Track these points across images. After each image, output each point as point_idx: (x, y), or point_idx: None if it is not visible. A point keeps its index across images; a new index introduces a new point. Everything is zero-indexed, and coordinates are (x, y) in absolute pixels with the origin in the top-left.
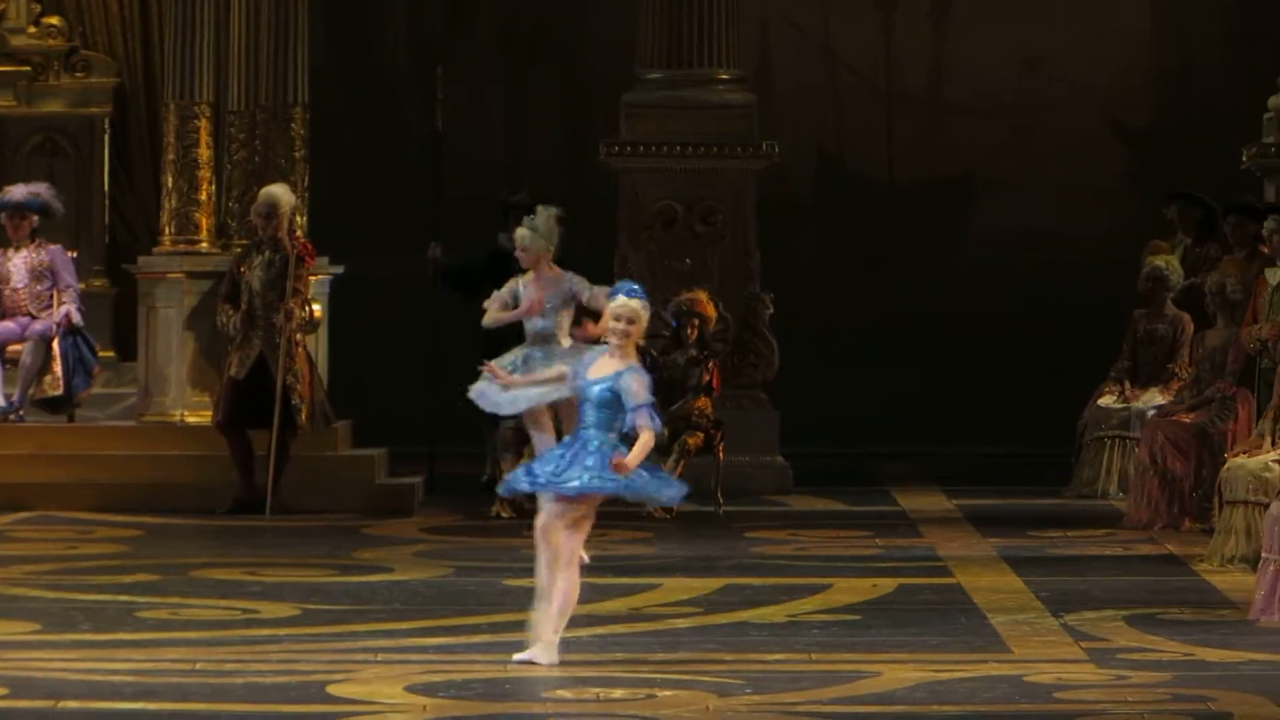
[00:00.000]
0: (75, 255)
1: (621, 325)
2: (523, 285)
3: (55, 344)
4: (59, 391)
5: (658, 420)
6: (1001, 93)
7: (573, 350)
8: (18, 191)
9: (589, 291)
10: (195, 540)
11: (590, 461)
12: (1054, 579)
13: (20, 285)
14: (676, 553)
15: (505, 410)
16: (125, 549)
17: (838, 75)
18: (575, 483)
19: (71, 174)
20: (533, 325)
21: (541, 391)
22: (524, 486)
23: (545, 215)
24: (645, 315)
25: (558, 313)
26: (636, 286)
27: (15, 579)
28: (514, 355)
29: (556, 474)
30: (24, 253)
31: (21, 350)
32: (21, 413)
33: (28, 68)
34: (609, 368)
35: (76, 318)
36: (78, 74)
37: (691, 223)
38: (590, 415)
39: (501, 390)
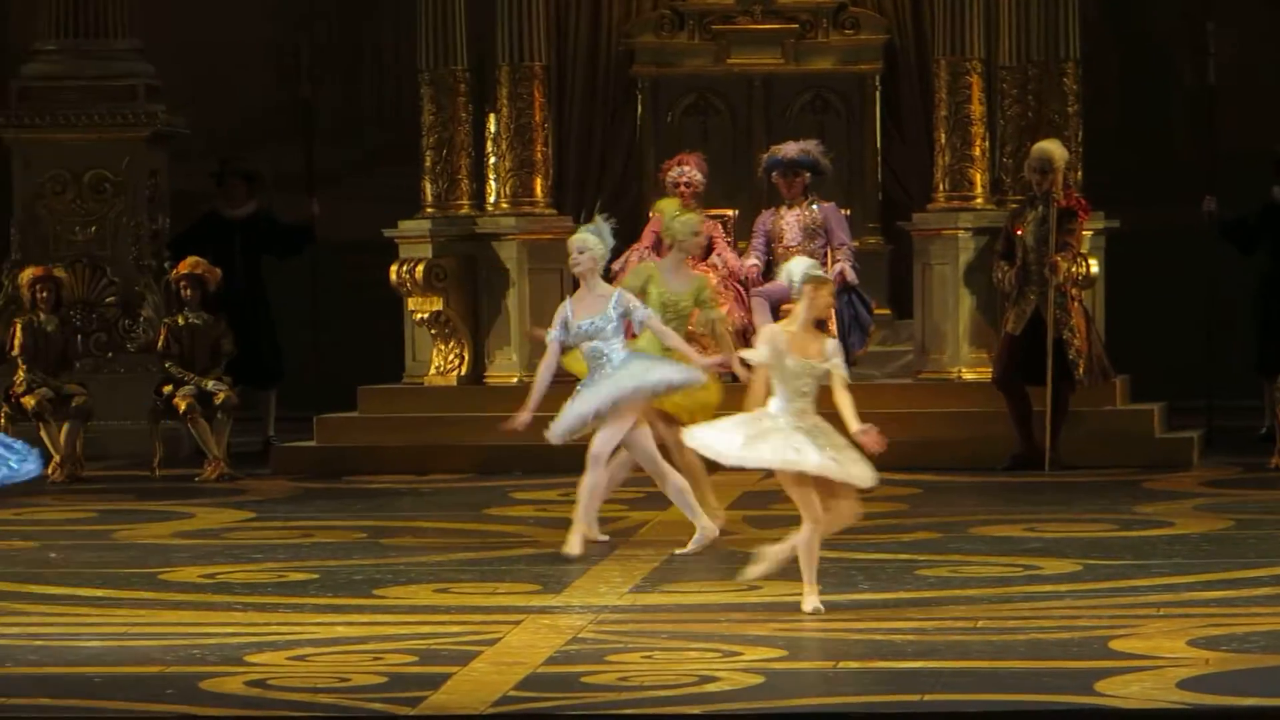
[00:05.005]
0: (849, 213)
1: None
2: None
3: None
4: None
5: None
6: None
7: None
8: (789, 149)
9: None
10: (974, 497)
11: None
12: None
13: (794, 243)
14: None
15: None
16: (903, 507)
17: None
18: None
19: (842, 131)
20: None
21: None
22: None
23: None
24: None
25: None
26: None
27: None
28: None
29: None
30: (796, 210)
31: None
32: None
33: (795, 25)
34: None
35: (851, 275)
36: (847, 31)
37: None
38: None
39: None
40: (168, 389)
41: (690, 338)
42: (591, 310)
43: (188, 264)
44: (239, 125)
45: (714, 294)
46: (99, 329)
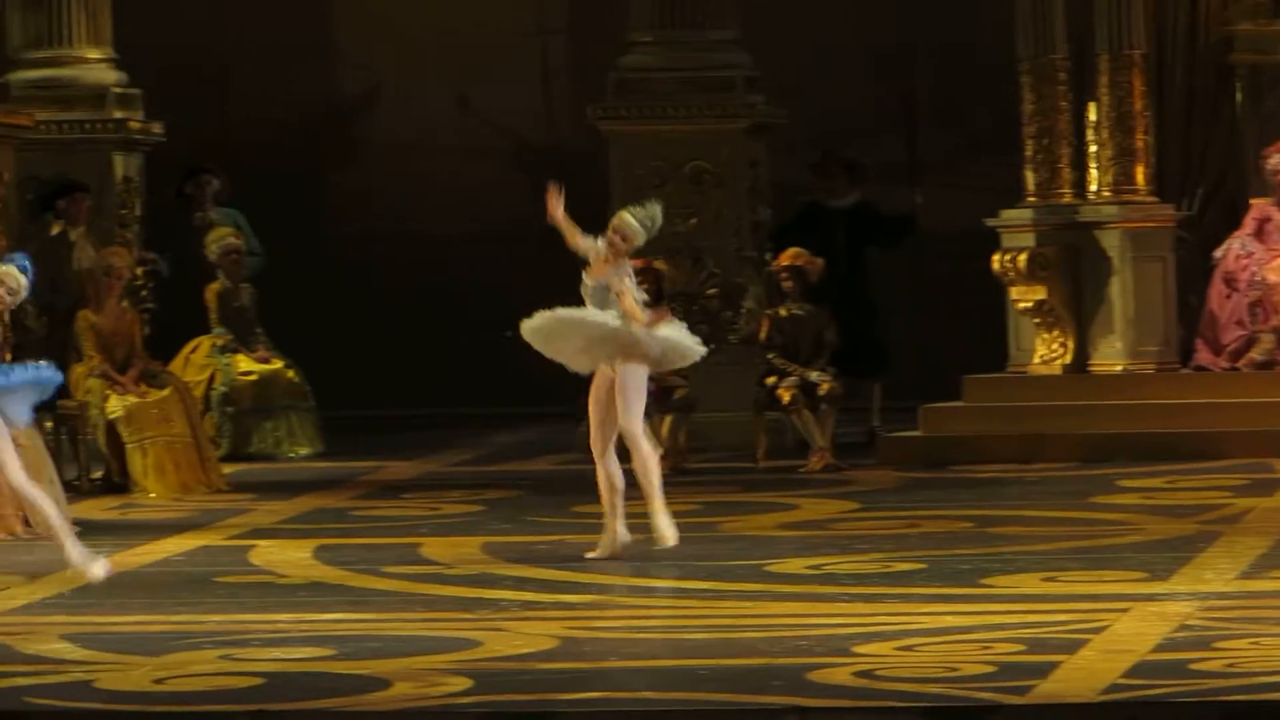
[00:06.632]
0: None
1: None
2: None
3: None
4: None
5: None
6: None
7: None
8: None
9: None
10: None
11: None
12: None
13: None
14: None
15: None
16: None
17: None
18: None
19: None
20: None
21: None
22: None
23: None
24: None
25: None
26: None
27: None
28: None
29: None
30: None
31: None
32: None
33: None
34: None
35: None
36: None
37: None
38: None
39: None
40: (771, 380)
41: None
42: (599, 274)
43: (789, 255)
44: (840, 116)
45: None
46: (700, 320)
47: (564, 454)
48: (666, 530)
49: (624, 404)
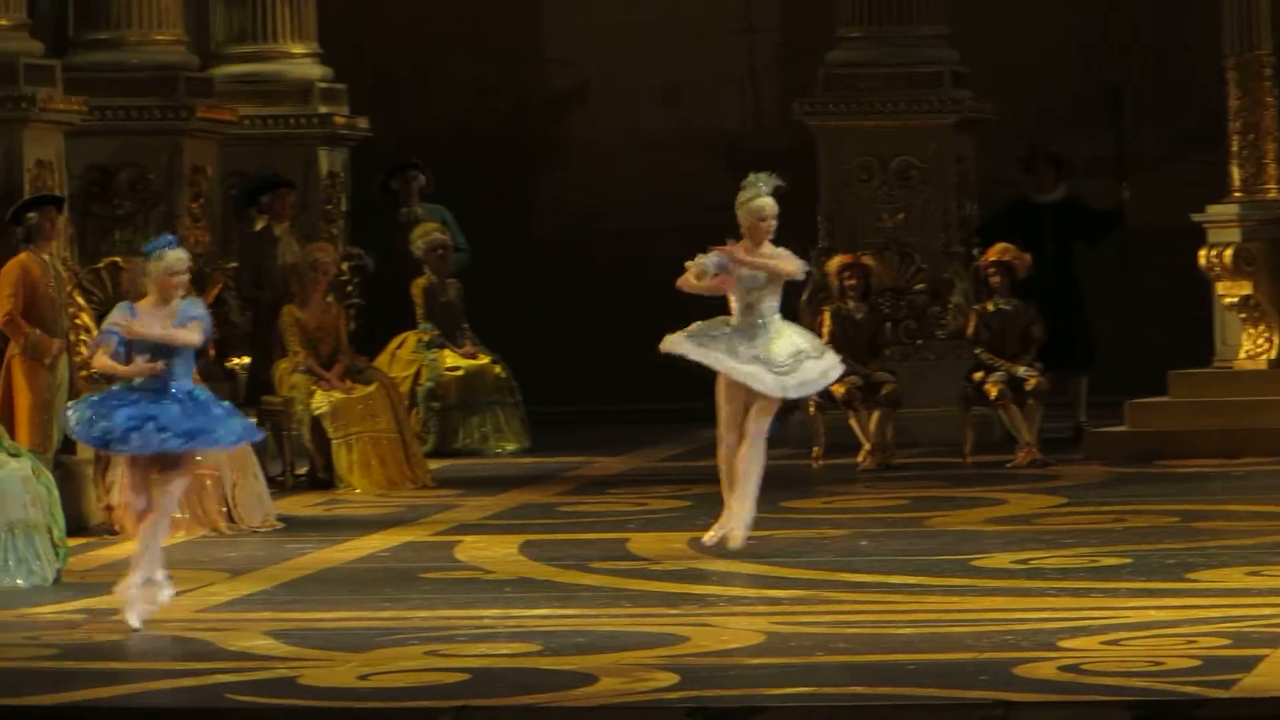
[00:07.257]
0: None
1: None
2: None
3: None
4: None
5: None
6: None
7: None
8: None
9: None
10: None
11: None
12: None
13: None
14: None
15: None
16: None
17: None
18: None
19: None
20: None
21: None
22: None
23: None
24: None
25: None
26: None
27: None
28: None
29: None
30: None
31: None
32: None
33: None
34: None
35: None
36: None
37: None
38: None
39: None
40: (978, 375)
41: None
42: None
43: (996, 250)
44: (1048, 111)
45: None
46: (908, 316)
47: (773, 448)
48: (739, 530)
49: (759, 413)
